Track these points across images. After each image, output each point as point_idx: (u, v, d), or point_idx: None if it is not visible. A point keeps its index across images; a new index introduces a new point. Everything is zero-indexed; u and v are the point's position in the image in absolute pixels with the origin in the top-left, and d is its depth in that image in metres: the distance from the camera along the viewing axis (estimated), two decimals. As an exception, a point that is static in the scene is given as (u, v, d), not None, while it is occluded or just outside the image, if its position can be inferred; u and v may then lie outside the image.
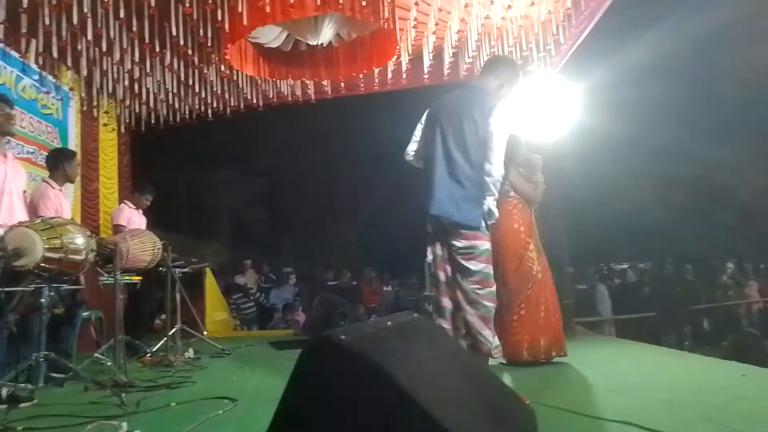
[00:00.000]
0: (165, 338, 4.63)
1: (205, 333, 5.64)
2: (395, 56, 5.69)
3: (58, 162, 4.23)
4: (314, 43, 5.37)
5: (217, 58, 5.83)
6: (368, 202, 13.63)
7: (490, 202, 2.83)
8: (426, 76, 6.12)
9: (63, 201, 4.18)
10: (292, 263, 10.27)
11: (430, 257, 2.98)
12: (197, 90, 6.23)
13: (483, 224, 2.80)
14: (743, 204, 14.90)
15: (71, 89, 6.28)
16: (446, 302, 2.89)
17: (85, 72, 5.44)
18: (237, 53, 5.39)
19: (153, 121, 6.78)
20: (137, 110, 6.78)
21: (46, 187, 4.10)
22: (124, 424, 2.34)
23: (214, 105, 6.72)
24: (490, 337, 2.74)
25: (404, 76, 6.33)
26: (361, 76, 6.20)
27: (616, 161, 13.00)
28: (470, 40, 5.60)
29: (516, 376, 3.33)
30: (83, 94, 6.27)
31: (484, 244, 2.79)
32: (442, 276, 2.91)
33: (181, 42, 4.85)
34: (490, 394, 1.45)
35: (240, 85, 6.34)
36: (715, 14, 11.30)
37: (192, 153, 11.81)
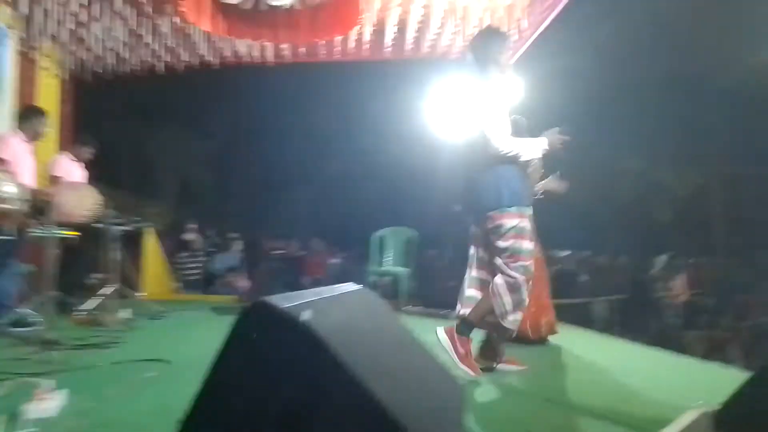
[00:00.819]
0: (99, 297, 4.47)
1: (142, 294, 5.48)
2: (358, 26, 5.59)
3: (30, 117, 4.37)
4: (276, 4, 5.20)
5: (172, 10, 5.55)
6: (321, 173, 13.50)
7: (522, 157, 2.84)
8: (388, 49, 6.05)
9: (27, 155, 4.24)
10: (239, 229, 10.08)
11: (472, 251, 3.03)
12: (148, 41, 5.93)
13: (504, 204, 2.81)
14: (680, 200, 15.66)
15: (10, 27, 5.84)
16: (472, 292, 2.94)
17: (26, 10, 5.07)
18: (194, 7, 5.16)
19: (100, 71, 6.42)
20: (83, 57, 6.40)
21: (10, 134, 4.22)
22: (50, 383, 2.26)
23: (167, 58, 6.43)
24: (509, 304, 2.77)
25: (366, 47, 6.23)
26: (322, 43, 6.07)
27: (567, 151, 13.35)
28: (435, 16, 5.56)
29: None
30: (23, 34, 5.86)
31: (511, 222, 2.79)
32: (473, 260, 3.00)
33: (135, -11, 4.59)
34: (421, 368, 1.49)
35: (194, 41, 6.08)
36: (669, 13, 11.67)
37: (140, 107, 11.30)
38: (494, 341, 2.94)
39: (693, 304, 10.81)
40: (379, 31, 5.91)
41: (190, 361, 3.01)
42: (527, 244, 2.81)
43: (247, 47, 6.37)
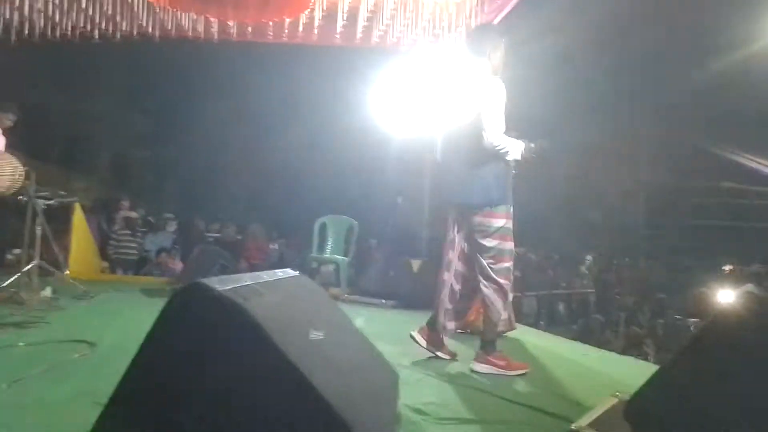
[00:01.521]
0: (18, 274, 4.21)
1: (67, 273, 5.21)
2: (308, 9, 5.50)
3: None
4: (224, -22, 5.03)
5: (110, -26, 5.27)
6: (262, 157, 13.22)
7: (508, 156, 2.84)
8: (338, 36, 5.99)
9: None
10: (174, 209, 9.73)
11: (450, 235, 3.02)
12: (83, 5, 5.59)
13: (494, 202, 2.83)
14: (609, 204, 16.49)
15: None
16: (447, 276, 2.98)
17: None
18: (135, -27, 4.92)
19: (26, 32, 5.99)
20: (7, 16, 5.95)
21: None
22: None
23: (102, 26, 6.08)
24: (502, 309, 2.84)
25: (315, 32, 6.15)
26: (270, 24, 5.93)
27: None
28: (386, 8, 5.56)
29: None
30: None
31: (498, 222, 2.83)
32: (451, 254, 2.99)
33: (70, -52, 4.31)
34: (357, 354, 1.50)
35: (135, 10, 5.79)
36: (607, 26, 12.17)
37: (71, 75, 10.62)
38: (441, 330, 2.99)
39: (615, 302, 11.45)
40: (329, 17, 5.84)
41: (117, 344, 2.89)
42: (510, 245, 2.88)
43: (191, 21, 6.13)
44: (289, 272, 1.66)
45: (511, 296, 2.96)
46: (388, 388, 1.55)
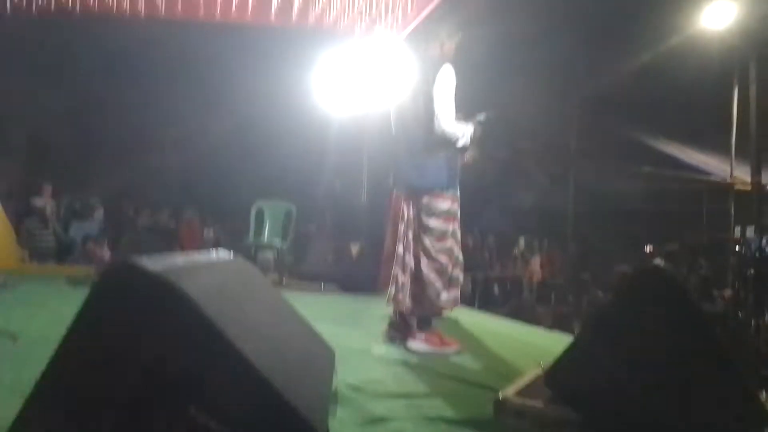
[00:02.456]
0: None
1: (-18, 262, 4.89)
2: (242, -12, 5.36)
3: None
4: (151, -48, 4.80)
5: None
6: (196, 140, 12.76)
7: (459, 143, 2.92)
8: (272, 16, 5.87)
9: None
10: (101, 194, 9.25)
11: (404, 218, 3.07)
12: (-6, -25, 5.19)
13: (444, 185, 2.92)
14: (540, 188, 17.14)
15: None
16: (408, 258, 3.01)
17: None
18: (52, -58, 4.60)
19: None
20: None
21: None
22: None
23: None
24: (441, 289, 2.91)
25: (249, 11, 5.98)
26: (201, 1, 5.73)
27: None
28: (322, -11, 5.49)
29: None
30: None
31: (444, 204, 2.93)
32: (410, 235, 3.03)
33: None
34: (293, 333, 1.52)
35: (53, -19, 5.42)
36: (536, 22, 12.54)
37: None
38: (406, 320, 3.03)
39: (544, 282, 11.99)
40: (264, -4, 5.71)
41: (41, 335, 2.76)
42: (453, 227, 3.00)
43: (116, -4, 5.82)
44: (224, 253, 1.65)
45: (461, 276, 3.06)
46: (325, 366, 1.58)
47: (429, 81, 2.91)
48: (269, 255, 6.82)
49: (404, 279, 3.04)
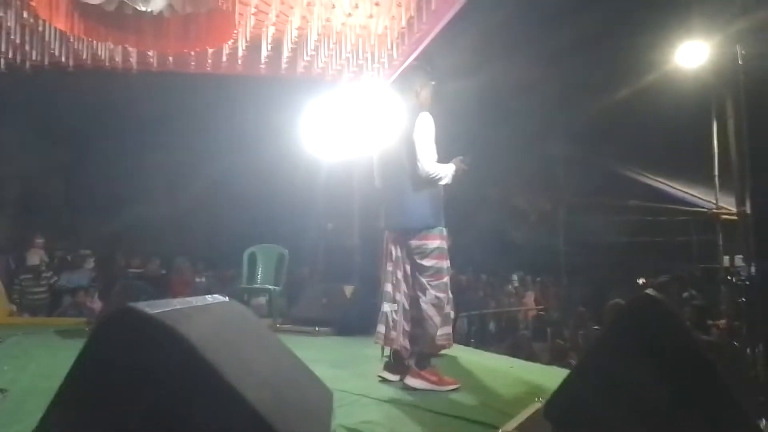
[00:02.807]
0: None
1: (-29, 317, 4.82)
2: (231, 40, 5.52)
3: None
4: (143, 9, 4.95)
5: (18, 3, 5.05)
6: (186, 188, 12.83)
7: (442, 181, 3.07)
8: (262, 66, 6.02)
9: None
10: (92, 245, 9.22)
11: (392, 257, 3.16)
12: (-11, 35, 5.32)
13: (430, 225, 3.04)
14: (531, 224, 17.28)
15: None
16: (399, 297, 3.10)
17: None
18: (46, 2, 4.74)
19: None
20: None
21: None
22: None
23: (9, 55, 5.78)
24: (439, 323, 2.98)
25: (240, 62, 6.15)
26: (192, 53, 5.88)
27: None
28: (310, 39, 5.67)
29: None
30: None
31: (434, 243, 3.03)
32: (399, 275, 3.12)
33: (-27, -25, 4.12)
34: (291, 374, 1.52)
35: (46, 39, 5.56)
36: (525, 56, 12.94)
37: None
38: (401, 358, 3.07)
39: (540, 318, 11.94)
40: (253, 47, 5.87)
41: (32, 389, 2.73)
42: (446, 263, 3.09)
43: (108, 51, 5.96)
44: (219, 297, 1.66)
45: (452, 313, 3.12)
46: (323, 407, 1.57)
47: (408, 128, 3.08)
48: (262, 299, 6.77)
49: (397, 317, 3.06)
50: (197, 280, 9.21)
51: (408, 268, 3.12)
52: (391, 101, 3.38)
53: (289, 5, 5.25)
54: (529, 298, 12.87)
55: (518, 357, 5.27)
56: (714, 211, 8.41)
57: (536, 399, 2.22)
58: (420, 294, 3.02)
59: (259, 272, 6.43)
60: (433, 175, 3.04)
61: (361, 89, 6.27)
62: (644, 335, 1.78)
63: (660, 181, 11.26)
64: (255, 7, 5.23)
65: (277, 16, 5.35)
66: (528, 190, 17.43)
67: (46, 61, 5.91)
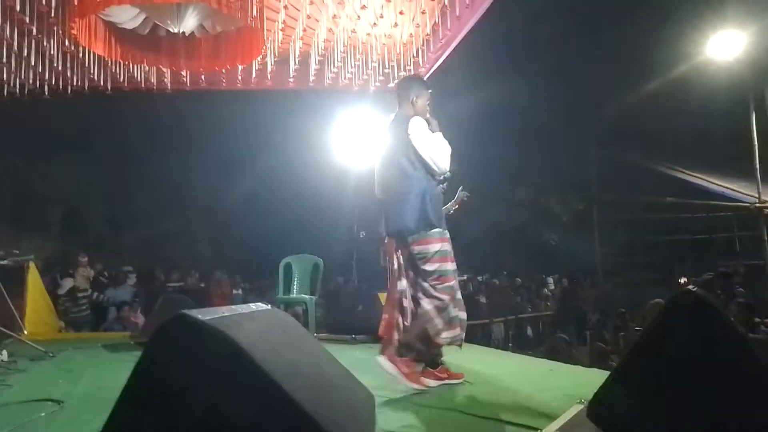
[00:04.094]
0: (-27, 339, 4.06)
1: (23, 334, 5.03)
2: (260, 56, 5.65)
3: None
4: (175, 30, 5.12)
5: (60, 31, 5.28)
6: (223, 202, 13.13)
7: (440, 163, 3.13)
8: (291, 80, 6.15)
9: None
10: (133, 261, 9.52)
11: (395, 265, 3.24)
12: (33, 63, 5.58)
13: (430, 227, 3.07)
14: (564, 226, 17.03)
15: None
16: (407, 303, 3.16)
17: None
18: (86, 29, 4.95)
19: (-27, 94, 5.91)
20: (-46, 79, 5.87)
21: None
22: None
23: (52, 82, 6.06)
24: (440, 324, 3.01)
25: (269, 77, 6.29)
26: (223, 71, 6.04)
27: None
28: (336, 50, 5.76)
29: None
30: None
31: (435, 246, 3.06)
32: (404, 281, 3.18)
33: (18, 8, 4.34)
34: (335, 377, 1.56)
35: (86, 64, 5.80)
36: (555, 49, 12.82)
37: (20, 133, 10.42)
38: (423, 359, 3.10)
39: (579, 320, 11.70)
40: (281, 61, 6.01)
41: (85, 400, 2.83)
42: (450, 265, 3.10)
43: (143, 73, 6.18)
44: (261, 305, 1.72)
45: (461, 314, 3.13)
46: (366, 410, 1.60)
47: (403, 135, 3.14)
48: (298, 309, 6.86)
49: (407, 322, 3.12)
50: (235, 292, 9.39)
51: (412, 274, 3.16)
52: (391, 112, 3.46)
53: (315, 19, 5.35)
54: (565, 300, 12.62)
55: (557, 360, 5.21)
56: (757, 205, 8.16)
57: (578, 401, 2.20)
58: (422, 296, 3.05)
59: (295, 282, 6.51)
60: (447, 168, 3.14)
61: (388, 97, 6.33)
62: (689, 333, 1.75)
63: (697, 176, 10.97)
64: (282, 23, 5.35)
65: (304, 30, 5.46)
66: (560, 190, 17.20)
67: (86, 86, 6.17)
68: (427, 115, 3.31)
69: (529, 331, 11.36)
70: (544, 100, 14.40)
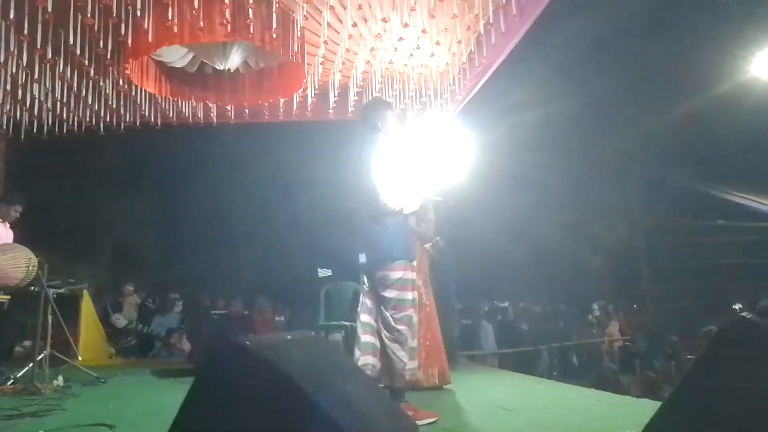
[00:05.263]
0: (31, 364, 4.23)
1: (77, 360, 5.22)
2: (301, 89, 5.83)
3: (5, 201, 5.12)
4: (221, 68, 5.37)
5: (115, 72, 5.61)
6: (263, 231, 13.43)
7: (405, 211, 3.13)
8: (331, 111, 6.31)
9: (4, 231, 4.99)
10: (179, 289, 9.78)
11: (362, 295, 3.22)
12: (90, 102, 5.92)
13: (394, 256, 3.06)
14: (608, 250, 16.56)
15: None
16: (368, 338, 3.10)
17: (-40, 70, 4.99)
18: (138, 69, 5.25)
19: (35, 131, 6.30)
20: (17, 117, 6.28)
21: None
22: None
23: (107, 119, 6.40)
24: (405, 358, 2.98)
25: (309, 109, 6.47)
26: (266, 104, 6.26)
27: (503, 207, 13.99)
28: (374, 81, 5.90)
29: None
30: (-45, 94, 5.72)
31: (396, 273, 3.05)
32: (371, 305, 3.15)
33: (78, 52, 4.65)
34: (377, 404, 1.57)
35: (138, 101, 6.12)
36: (594, 69, 12.69)
37: (77, 168, 11.01)
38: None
39: (626, 349, 11.30)
40: (321, 94, 6.18)
41: (136, 425, 2.91)
42: (410, 295, 3.07)
43: (190, 108, 6.46)
44: (305, 332, 1.76)
45: (414, 344, 3.08)
46: (409, 437, 1.61)
47: (368, 163, 3.15)
48: (339, 335, 6.88)
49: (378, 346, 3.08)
50: (277, 318, 9.50)
51: (368, 298, 3.16)
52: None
53: (354, 52, 5.51)
54: (614, 327, 12.22)
55: (605, 390, 5.04)
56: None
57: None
58: (384, 329, 3.01)
59: (336, 309, 6.56)
60: (395, 208, 3.08)
61: (426, 123, 6.40)
62: (743, 363, 1.69)
63: (749, 198, 10.57)
64: (322, 57, 5.52)
65: (343, 63, 5.62)
66: (603, 214, 16.78)
67: (138, 122, 6.49)
68: (403, 131, 3.33)
69: (574, 359, 11.02)
70: (585, 121, 14.24)
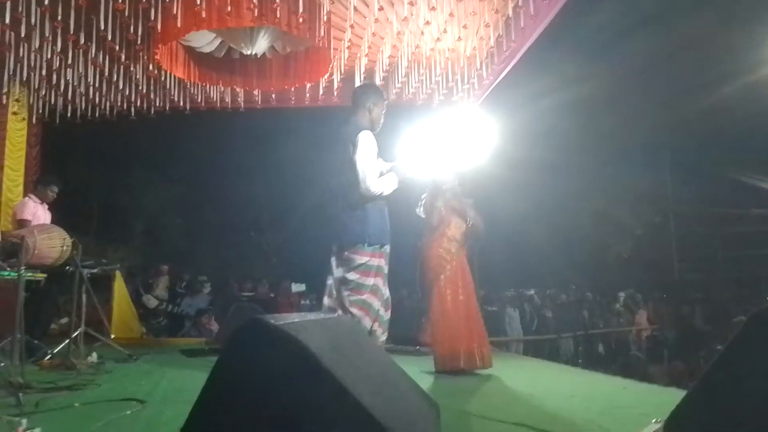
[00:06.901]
0: (67, 340, 4.39)
1: (110, 338, 5.39)
2: (327, 74, 5.84)
3: (44, 182, 5.31)
4: (248, 52, 5.40)
5: (145, 57, 5.70)
6: (291, 214, 13.56)
7: (386, 193, 3.18)
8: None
9: (44, 213, 5.18)
10: (208, 272, 9.98)
11: (331, 277, 3.27)
12: (121, 87, 6.04)
13: (361, 242, 3.10)
14: (637, 238, 16.25)
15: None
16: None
17: (-2, 56, 5.14)
18: (167, 54, 5.33)
19: (69, 115, 6.46)
20: (52, 101, 6.45)
21: (28, 199, 5.25)
22: (24, 421, 2.25)
23: (138, 104, 6.53)
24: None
25: (335, 94, 6.48)
26: (292, 89, 6.29)
27: (529, 193, 13.84)
28: (400, 66, 5.86)
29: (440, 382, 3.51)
30: (-7, 79, 5.89)
31: (362, 258, 3.11)
32: (327, 298, 3.23)
33: (109, 37, 4.73)
34: (399, 384, 1.59)
35: (167, 86, 6.21)
36: (626, 64, 12.40)
37: (109, 151, 11.28)
38: None
39: (654, 338, 11.12)
40: (347, 79, 6.17)
41: (166, 400, 3.00)
42: (370, 281, 3.10)
43: (218, 92, 6.54)
44: (329, 313, 1.79)
45: (378, 331, 3.13)
46: (431, 419, 1.62)
47: (351, 147, 3.15)
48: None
49: None
50: (303, 302, 9.61)
51: (334, 280, 3.20)
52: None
53: (380, 36, 5.48)
54: (641, 317, 12.02)
55: (631, 379, 4.99)
56: None
57: (654, 420, 2.11)
58: (339, 309, 3.05)
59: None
60: (377, 192, 3.12)
61: (452, 111, 6.35)
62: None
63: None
64: (348, 42, 5.51)
65: (369, 47, 5.60)
66: (632, 201, 16.43)
67: (167, 107, 6.60)
68: (378, 128, 3.32)
69: (601, 347, 10.90)
70: (615, 106, 13.91)
